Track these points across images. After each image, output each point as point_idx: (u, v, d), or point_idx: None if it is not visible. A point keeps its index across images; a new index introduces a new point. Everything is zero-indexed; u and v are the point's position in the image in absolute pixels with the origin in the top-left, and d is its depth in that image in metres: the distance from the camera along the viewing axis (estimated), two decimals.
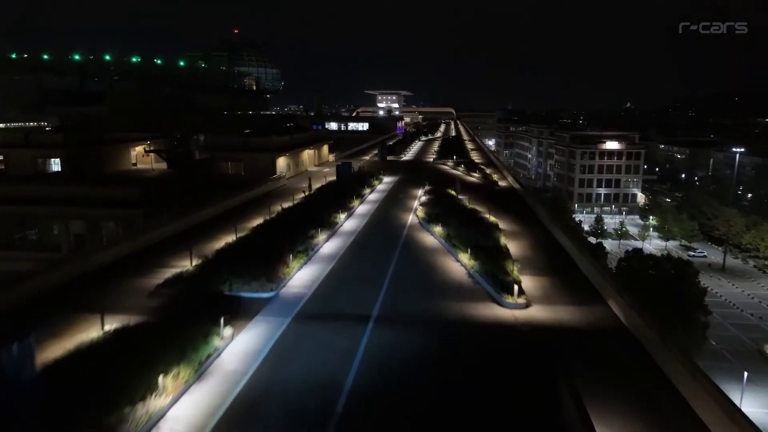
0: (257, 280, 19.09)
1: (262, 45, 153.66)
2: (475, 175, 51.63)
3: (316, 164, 62.18)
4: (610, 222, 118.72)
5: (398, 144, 74.54)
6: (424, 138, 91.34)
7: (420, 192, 40.73)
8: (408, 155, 73.02)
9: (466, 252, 22.20)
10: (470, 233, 24.83)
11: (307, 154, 59.41)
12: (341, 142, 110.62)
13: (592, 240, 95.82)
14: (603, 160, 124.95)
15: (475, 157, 70.64)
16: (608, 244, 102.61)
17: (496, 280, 19.18)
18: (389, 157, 67.99)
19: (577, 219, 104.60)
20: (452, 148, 70.85)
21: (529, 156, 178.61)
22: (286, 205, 34.07)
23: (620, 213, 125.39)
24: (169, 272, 20.75)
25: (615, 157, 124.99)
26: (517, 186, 46.65)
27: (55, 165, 46.36)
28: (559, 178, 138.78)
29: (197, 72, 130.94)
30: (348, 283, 21.03)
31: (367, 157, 70.98)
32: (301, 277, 21.16)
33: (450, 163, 60.62)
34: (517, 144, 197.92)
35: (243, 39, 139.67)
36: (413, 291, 19.98)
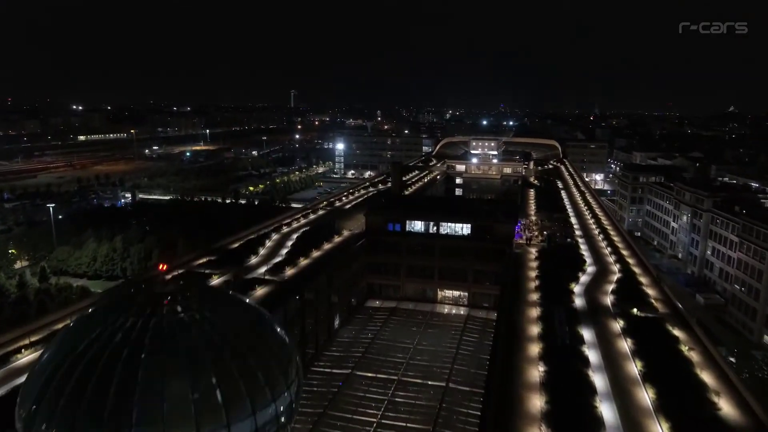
0: None
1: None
2: None
3: None
4: None
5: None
6: (575, 291, 52.50)
7: None
8: None
9: None
10: None
11: None
12: (421, 271, 74.18)
13: None
14: None
15: None
16: None
17: None
18: None
19: None
20: None
21: (674, 225, 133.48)
22: None
23: None
24: None
25: None
26: None
27: None
28: (741, 284, 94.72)
29: None
30: None
31: None
32: None
33: None
34: (650, 200, 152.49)
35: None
36: None
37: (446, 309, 74.50)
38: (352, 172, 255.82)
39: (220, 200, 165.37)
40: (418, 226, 75.08)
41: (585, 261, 62.03)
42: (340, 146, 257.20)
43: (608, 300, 50.71)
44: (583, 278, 57.06)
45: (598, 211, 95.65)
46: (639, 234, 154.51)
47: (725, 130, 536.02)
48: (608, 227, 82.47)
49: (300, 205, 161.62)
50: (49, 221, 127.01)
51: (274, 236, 72.35)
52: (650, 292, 52.62)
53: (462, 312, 73.21)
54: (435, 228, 74.40)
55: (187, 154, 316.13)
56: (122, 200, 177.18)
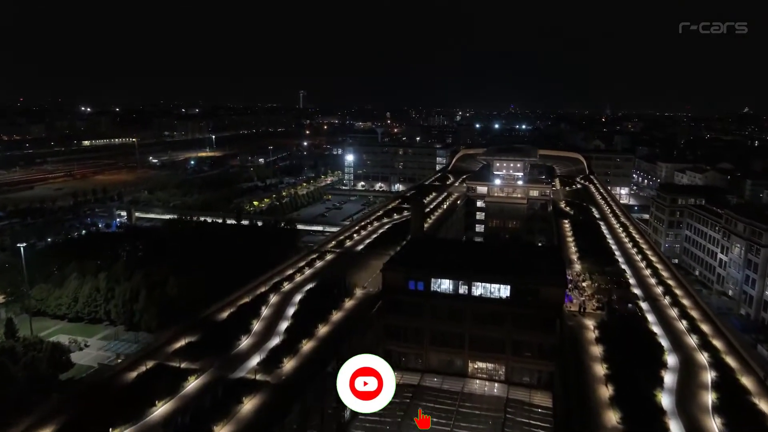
0: None
1: None
2: None
3: None
4: None
5: None
6: (664, 405, 39.17)
7: None
8: None
9: None
10: None
11: None
12: (448, 339, 61.13)
13: None
14: None
15: None
16: None
17: None
18: None
19: None
20: None
21: (723, 257, 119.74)
22: None
23: None
24: None
25: None
26: None
27: None
28: None
29: None
30: None
31: None
32: None
33: None
34: (690, 225, 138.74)
35: None
36: None
37: (478, 385, 61.74)
38: (362, 183, 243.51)
39: (220, 221, 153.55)
40: (445, 285, 62.47)
41: (662, 346, 49.14)
42: (349, 157, 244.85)
43: (714, 425, 37.79)
44: (667, 378, 44.11)
45: (650, 254, 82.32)
46: (677, 261, 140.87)
47: (745, 134, 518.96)
48: (670, 281, 69.32)
49: (306, 227, 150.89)
50: (33, 250, 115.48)
51: (273, 299, 60.02)
52: (765, 406, 39.72)
53: (497, 391, 60.44)
54: (466, 288, 61.75)
55: (191, 162, 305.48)
56: (117, 219, 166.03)
